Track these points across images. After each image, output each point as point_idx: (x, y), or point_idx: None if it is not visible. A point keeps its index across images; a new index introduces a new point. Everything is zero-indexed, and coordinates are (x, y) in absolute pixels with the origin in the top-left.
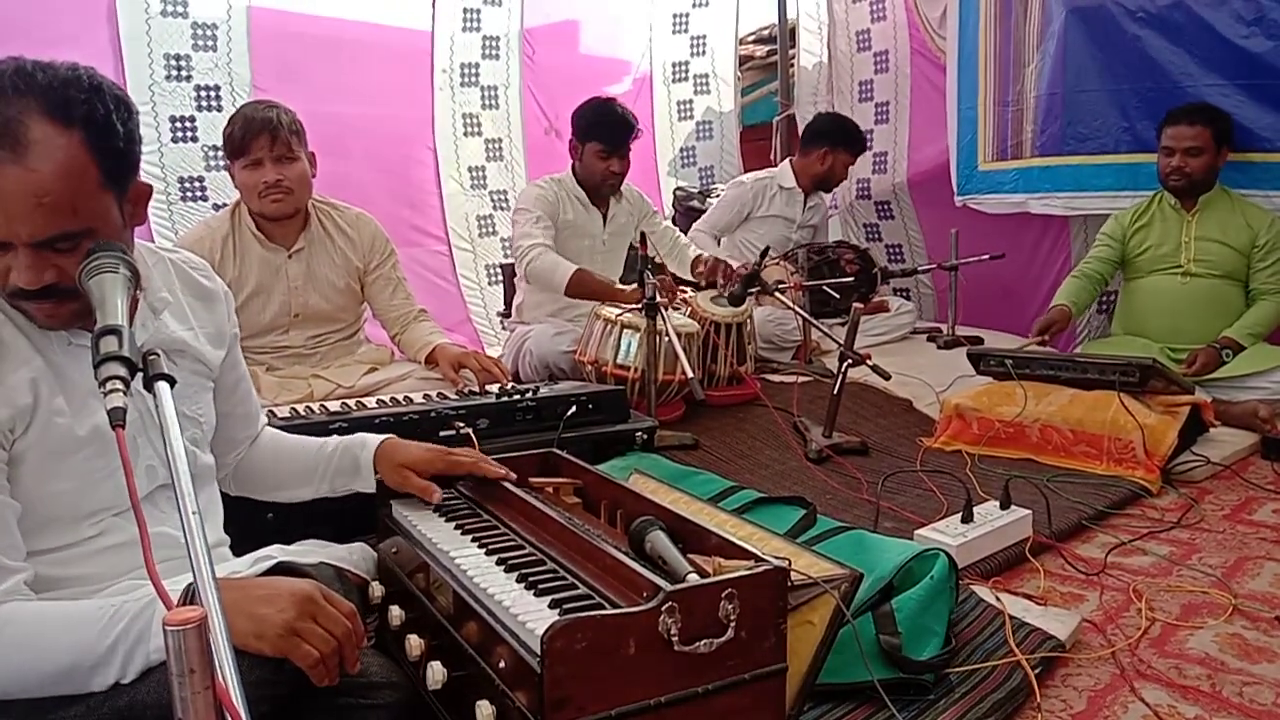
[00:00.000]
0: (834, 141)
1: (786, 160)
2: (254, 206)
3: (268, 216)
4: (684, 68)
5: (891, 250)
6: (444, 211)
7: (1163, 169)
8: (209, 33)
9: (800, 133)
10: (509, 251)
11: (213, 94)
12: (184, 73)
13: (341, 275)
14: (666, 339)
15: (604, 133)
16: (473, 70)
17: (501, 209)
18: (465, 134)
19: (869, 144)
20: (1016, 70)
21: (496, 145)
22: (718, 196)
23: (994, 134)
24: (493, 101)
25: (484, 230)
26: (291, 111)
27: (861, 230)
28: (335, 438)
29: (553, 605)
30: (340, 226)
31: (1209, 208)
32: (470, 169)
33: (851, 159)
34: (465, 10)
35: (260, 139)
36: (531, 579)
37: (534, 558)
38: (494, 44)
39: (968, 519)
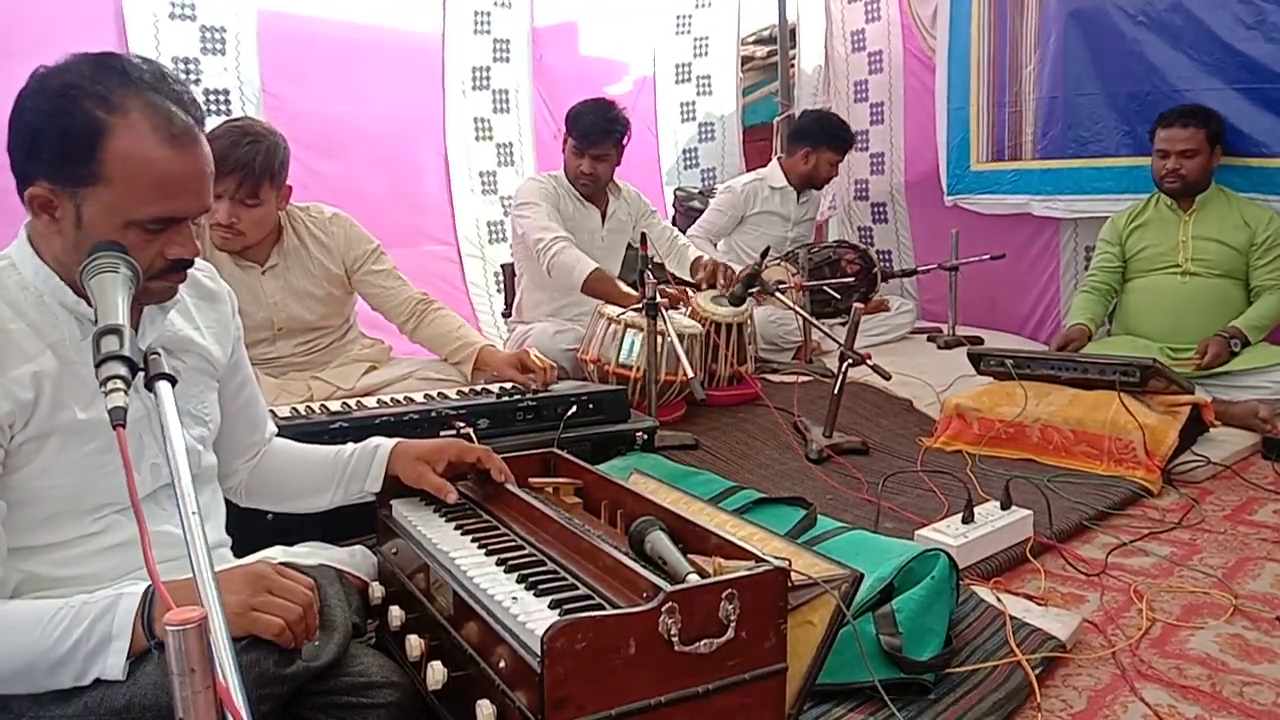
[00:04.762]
0: (815, 141)
1: (775, 160)
2: (206, 234)
3: (214, 245)
4: (687, 69)
5: (882, 256)
6: (454, 217)
7: (1157, 171)
8: (217, 36)
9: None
10: (512, 250)
11: (222, 98)
12: (192, 76)
13: (320, 284)
14: (668, 339)
15: (577, 131)
16: (484, 74)
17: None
18: (477, 139)
19: (865, 145)
20: (1013, 71)
21: (508, 149)
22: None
23: (989, 134)
24: (504, 105)
25: (494, 236)
26: (278, 144)
27: (855, 234)
28: (350, 445)
29: (553, 605)
30: (314, 234)
31: (1206, 207)
32: (481, 174)
33: (836, 157)
34: (476, 12)
35: (228, 179)
36: (532, 579)
37: (534, 558)
38: (504, 46)
39: (968, 519)
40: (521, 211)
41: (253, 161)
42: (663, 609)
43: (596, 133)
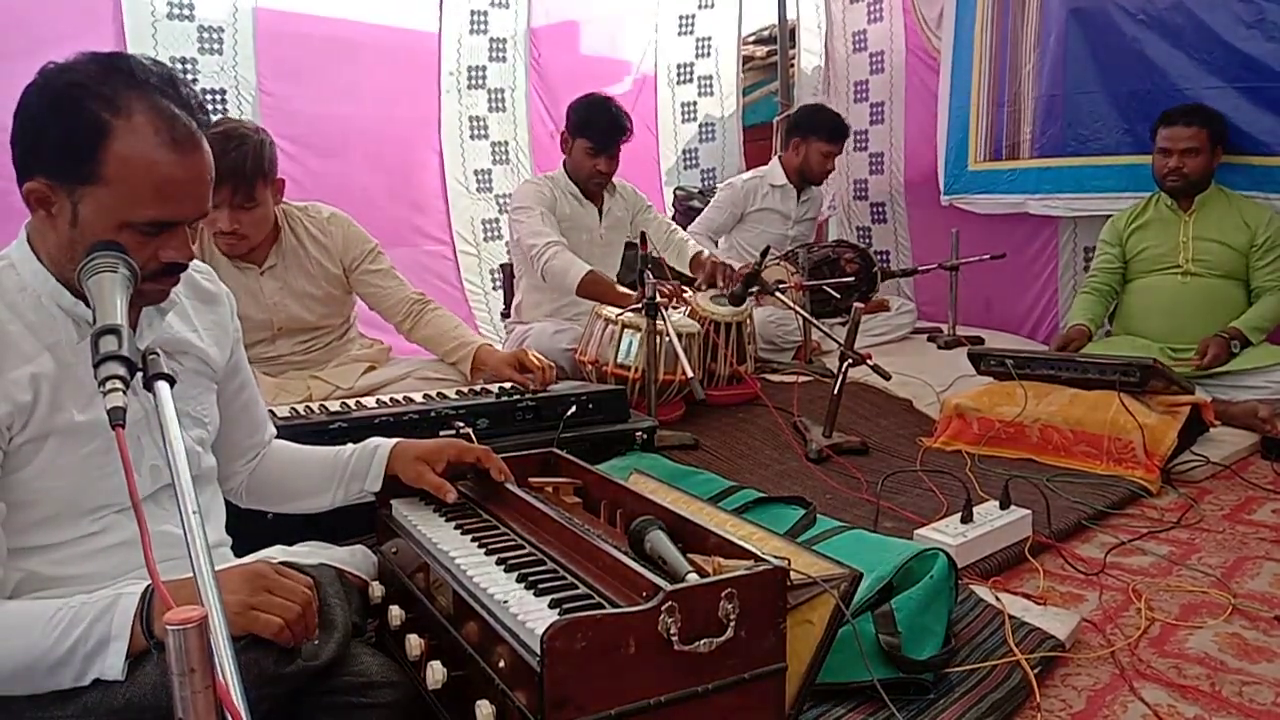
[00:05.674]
0: (805, 131)
1: (775, 158)
2: (208, 237)
3: (220, 251)
4: (689, 69)
5: (880, 256)
6: (449, 214)
7: (1159, 170)
8: (215, 35)
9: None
10: (510, 252)
11: (219, 98)
12: (189, 76)
13: (319, 284)
14: (667, 339)
15: (593, 131)
16: (479, 73)
17: (507, 212)
18: (472, 137)
19: (864, 145)
20: (1013, 71)
21: (503, 148)
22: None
23: (988, 134)
24: (500, 104)
25: (489, 234)
26: (263, 142)
27: (854, 234)
28: (349, 445)
29: (553, 605)
30: (312, 234)
31: (1206, 207)
32: (476, 172)
33: (827, 146)
34: (473, 12)
35: (223, 188)
36: (531, 579)
37: (534, 557)
38: (501, 46)
39: (967, 519)
40: (517, 216)
41: (243, 166)
42: (662, 608)
43: (615, 132)
